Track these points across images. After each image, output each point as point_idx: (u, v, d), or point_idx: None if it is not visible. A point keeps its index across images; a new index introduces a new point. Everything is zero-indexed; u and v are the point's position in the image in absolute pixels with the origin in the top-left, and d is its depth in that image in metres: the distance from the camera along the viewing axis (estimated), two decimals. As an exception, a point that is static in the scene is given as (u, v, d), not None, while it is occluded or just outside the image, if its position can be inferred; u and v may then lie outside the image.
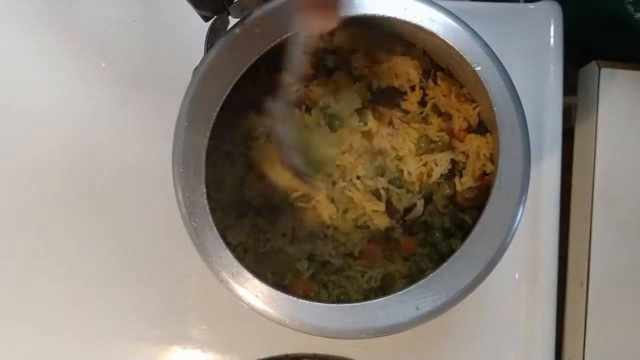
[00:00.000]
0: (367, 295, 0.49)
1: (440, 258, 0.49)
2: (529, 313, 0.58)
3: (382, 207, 0.50)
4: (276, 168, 0.49)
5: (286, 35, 0.43)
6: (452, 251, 0.46)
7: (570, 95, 0.61)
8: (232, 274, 0.43)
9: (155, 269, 0.59)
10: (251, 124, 0.51)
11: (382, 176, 0.51)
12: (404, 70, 0.50)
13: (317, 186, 0.50)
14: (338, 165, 0.51)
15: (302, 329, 0.43)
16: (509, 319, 0.58)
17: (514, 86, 0.44)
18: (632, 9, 0.56)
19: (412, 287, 0.43)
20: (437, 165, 0.50)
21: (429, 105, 0.51)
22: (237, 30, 0.44)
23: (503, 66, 0.44)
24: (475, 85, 0.45)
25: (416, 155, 0.51)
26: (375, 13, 0.44)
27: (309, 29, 0.43)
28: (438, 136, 0.50)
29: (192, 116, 0.44)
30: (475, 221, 0.44)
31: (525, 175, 0.44)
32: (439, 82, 0.50)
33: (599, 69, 0.58)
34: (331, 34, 0.49)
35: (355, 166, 0.51)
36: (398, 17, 0.44)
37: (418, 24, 0.44)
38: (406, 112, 0.51)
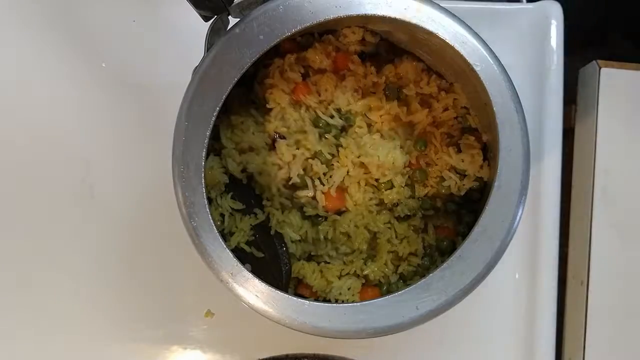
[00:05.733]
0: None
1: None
2: (529, 313, 0.58)
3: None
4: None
5: (286, 35, 0.43)
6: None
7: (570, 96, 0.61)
8: (232, 273, 0.43)
9: (155, 269, 0.59)
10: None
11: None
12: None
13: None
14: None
15: (302, 329, 0.43)
16: (509, 318, 0.58)
17: (513, 86, 0.44)
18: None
19: (412, 287, 0.43)
20: None
21: None
22: (237, 30, 0.44)
23: (503, 66, 0.44)
24: (474, 86, 0.45)
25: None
26: (375, 13, 0.44)
27: None
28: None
29: (192, 116, 0.44)
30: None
31: (525, 175, 0.44)
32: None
33: (599, 69, 0.58)
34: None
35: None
36: (398, 17, 0.44)
37: (418, 24, 0.44)
38: None
